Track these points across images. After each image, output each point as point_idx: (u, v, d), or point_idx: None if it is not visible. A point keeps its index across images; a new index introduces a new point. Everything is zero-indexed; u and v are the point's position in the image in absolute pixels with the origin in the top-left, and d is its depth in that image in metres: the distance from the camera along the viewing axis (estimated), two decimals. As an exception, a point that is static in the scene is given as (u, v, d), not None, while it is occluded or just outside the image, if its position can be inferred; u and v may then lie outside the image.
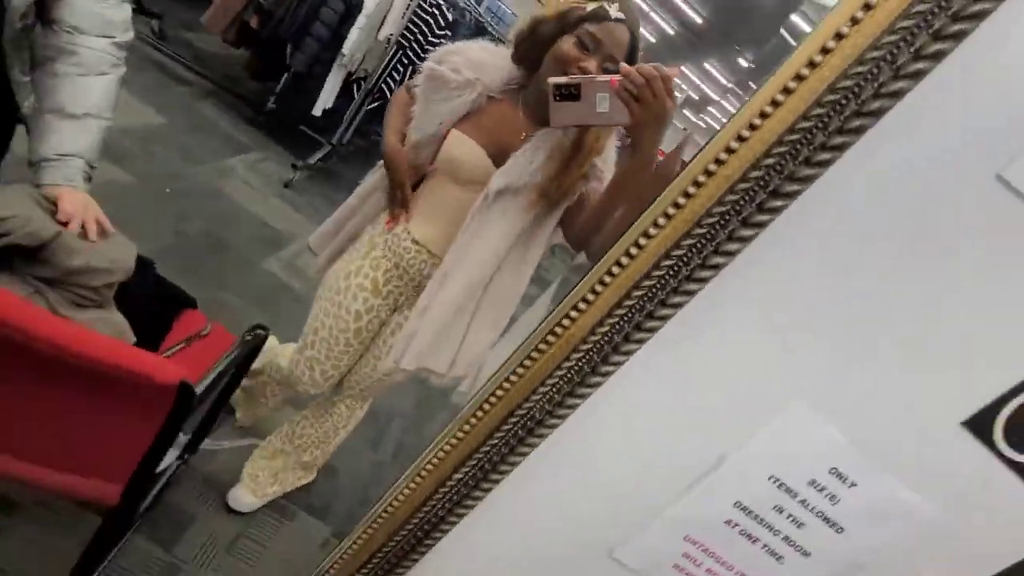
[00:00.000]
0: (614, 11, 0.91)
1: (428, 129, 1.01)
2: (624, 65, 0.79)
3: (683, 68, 13.30)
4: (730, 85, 11.58)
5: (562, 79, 0.80)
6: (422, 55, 3.26)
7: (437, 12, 3.09)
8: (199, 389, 0.77)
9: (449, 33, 3.28)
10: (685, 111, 17.26)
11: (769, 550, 0.56)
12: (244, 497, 1.39)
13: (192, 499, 1.36)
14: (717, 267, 0.45)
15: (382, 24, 2.78)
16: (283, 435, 1.41)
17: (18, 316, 0.66)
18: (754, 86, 0.36)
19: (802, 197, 0.43)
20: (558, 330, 0.48)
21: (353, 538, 0.59)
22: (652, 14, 11.17)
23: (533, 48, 0.97)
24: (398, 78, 3.27)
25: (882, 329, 0.47)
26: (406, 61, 3.22)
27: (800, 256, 0.46)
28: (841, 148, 0.42)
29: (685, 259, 0.46)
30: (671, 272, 0.46)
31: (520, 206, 0.98)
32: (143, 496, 1.00)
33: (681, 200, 0.45)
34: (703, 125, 17.10)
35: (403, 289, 1.13)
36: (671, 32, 11.42)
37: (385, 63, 3.08)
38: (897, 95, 0.40)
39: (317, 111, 2.98)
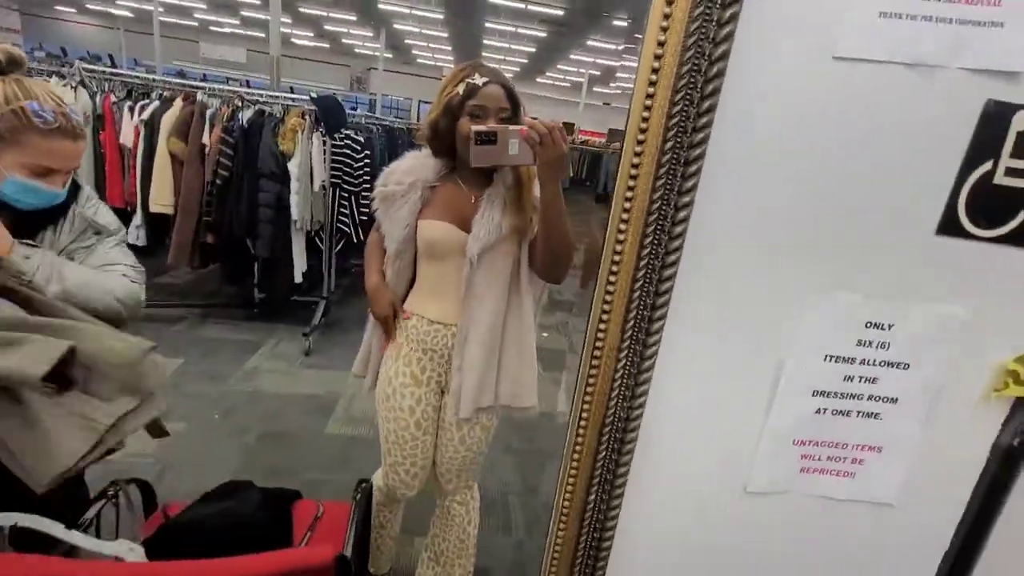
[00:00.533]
0: (479, 80, 1.10)
1: (399, 235, 1.19)
2: (528, 119, 0.98)
3: (573, 55, 13.89)
4: (621, 47, 11.97)
5: (482, 127, 0.99)
6: (355, 182, 3.49)
7: (349, 142, 3.33)
8: (347, 553, 0.86)
9: (368, 152, 3.53)
10: (595, 88, 17.88)
11: (864, 414, 0.64)
12: None
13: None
14: (686, 219, 0.55)
15: (312, 178, 3.00)
16: (426, 564, 1.48)
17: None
18: (641, 36, 0.45)
19: (712, 143, 0.54)
20: (603, 322, 0.57)
21: (553, 536, 0.67)
22: (519, 30, 11.69)
23: (443, 141, 1.16)
24: (346, 212, 3.48)
25: (839, 216, 0.56)
26: (345, 195, 3.44)
27: (739, 184, 0.56)
28: (714, 94, 0.52)
29: (660, 225, 0.55)
30: (656, 237, 0.55)
31: (500, 257, 1.15)
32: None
33: (631, 183, 0.55)
34: (619, 91, 17.67)
35: (438, 369, 1.26)
36: (544, 35, 11.93)
37: (330, 207, 3.29)
38: (733, 19, 0.51)
39: (298, 278, 3.16)
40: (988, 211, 0.57)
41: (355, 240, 3.59)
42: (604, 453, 0.61)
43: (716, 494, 0.65)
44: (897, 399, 0.63)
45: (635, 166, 0.53)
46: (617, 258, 0.57)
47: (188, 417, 2.43)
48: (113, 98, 2.97)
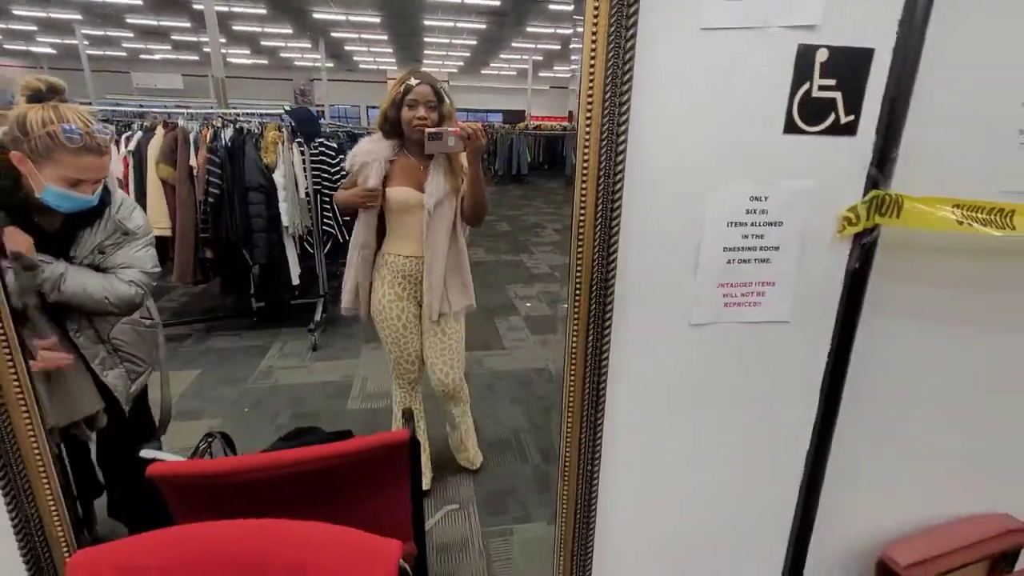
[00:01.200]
0: (413, 82, 1.68)
1: (373, 181, 1.73)
2: (461, 123, 1.63)
3: (515, 43, 14.21)
4: (567, 31, 12.27)
5: (433, 128, 1.63)
6: (334, 186, 3.72)
7: (324, 150, 3.56)
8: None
9: (342, 156, 3.76)
10: (541, 72, 18.14)
11: (758, 260, 0.97)
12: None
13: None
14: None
15: (296, 186, 3.23)
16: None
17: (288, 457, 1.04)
18: (580, 17, 0.68)
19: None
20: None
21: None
22: (458, 25, 11.86)
23: (392, 127, 1.74)
24: (329, 215, 3.72)
25: (722, 133, 0.88)
26: (327, 199, 3.67)
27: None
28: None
29: (608, 152, 0.86)
30: (607, 160, 0.86)
31: (445, 209, 1.74)
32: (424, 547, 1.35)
33: (586, 142, 0.86)
34: (570, 74, 18.00)
35: (412, 288, 1.83)
36: (484, 27, 12.14)
37: (315, 211, 3.52)
38: None
39: (295, 280, 3.40)
40: (811, 115, 0.89)
41: (340, 240, 3.82)
42: (594, 312, 0.92)
43: (672, 329, 0.98)
44: (779, 247, 0.96)
45: (587, 134, 0.84)
46: (583, 189, 0.88)
47: (219, 414, 2.67)
48: (96, 134, 3.15)
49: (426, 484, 2.08)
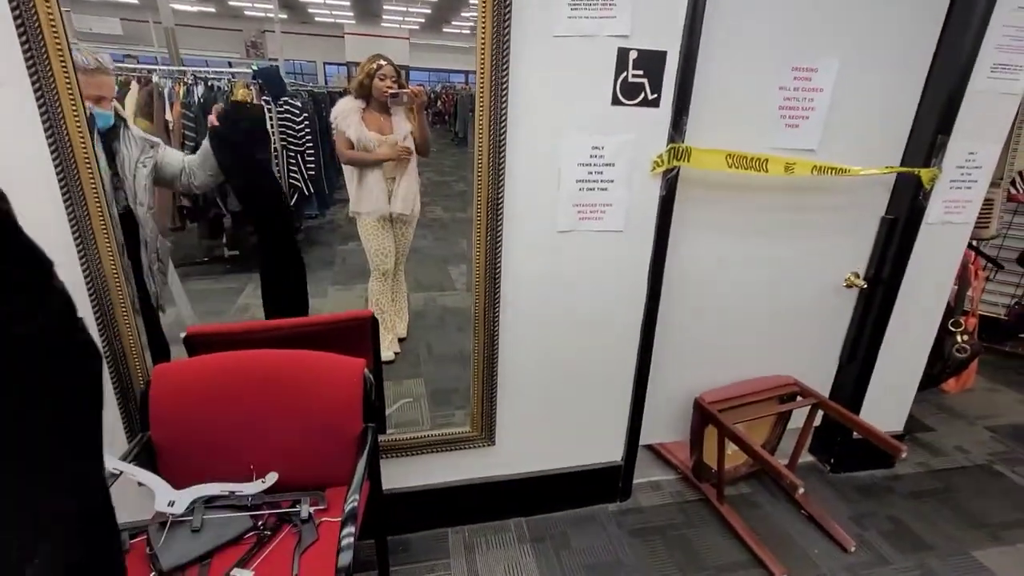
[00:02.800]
0: (383, 63, 2.29)
1: (354, 129, 2.34)
2: (410, 86, 2.22)
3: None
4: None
5: (394, 90, 2.26)
6: (299, 142, 4.07)
7: (288, 108, 3.90)
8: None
9: (306, 114, 4.11)
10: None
11: (600, 188, 1.48)
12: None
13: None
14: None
15: (265, 141, 3.59)
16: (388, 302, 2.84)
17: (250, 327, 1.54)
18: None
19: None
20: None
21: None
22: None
23: (363, 90, 2.32)
24: (295, 169, 4.08)
25: (572, 105, 1.38)
26: (292, 155, 4.03)
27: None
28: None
29: (495, 117, 1.35)
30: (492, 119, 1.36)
31: (408, 141, 2.37)
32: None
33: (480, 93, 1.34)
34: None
35: (384, 199, 2.45)
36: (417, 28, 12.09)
37: (282, 166, 3.88)
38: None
39: (266, 228, 3.78)
40: (629, 93, 1.40)
41: (306, 193, 4.20)
42: (490, 223, 1.43)
43: (543, 234, 1.49)
44: (613, 180, 1.48)
45: (481, 103, 1.32)
46: (479, 142, 1.36)
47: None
48: (73, 89, 3.42)
49: (388, 356, 2.78)
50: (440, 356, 2.95)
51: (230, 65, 3.78)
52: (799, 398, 1.88)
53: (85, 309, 1.30)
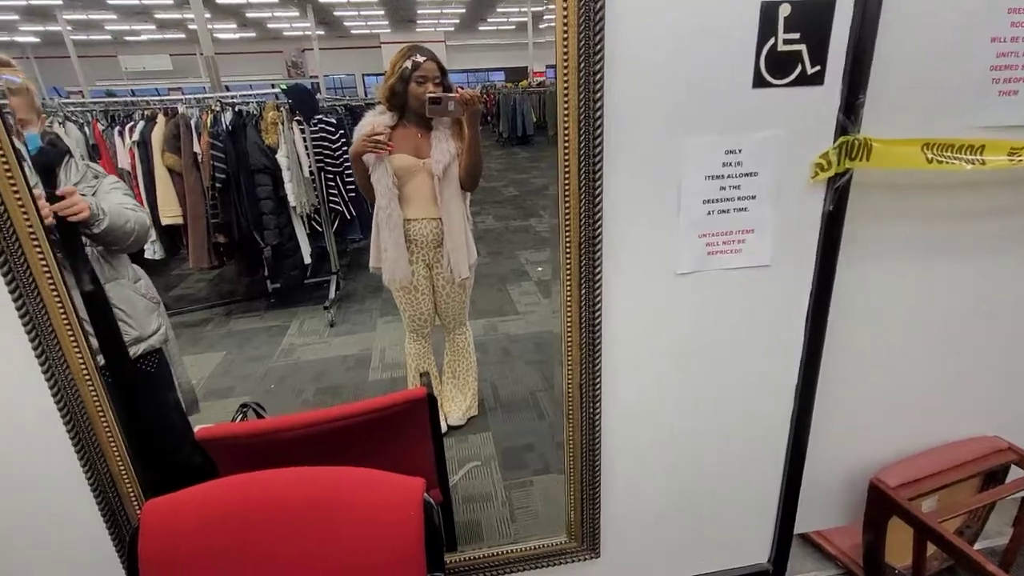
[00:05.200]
0: (420, 59, 1.84)
1: (374, 160, 1.93)
2: (460, 89, 1.80)
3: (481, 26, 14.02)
4: None
5: (435, 94, 1.80)
6: (336, 162, 3.82)
7: (323, 126, 3.65)
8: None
9: (342, 132, 3.86)
10: (542, 24, 17.79)
11: (737, 209, 1.06)
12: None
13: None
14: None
15: (300, 166, 3.35)
16: (446, 382, 2.39)
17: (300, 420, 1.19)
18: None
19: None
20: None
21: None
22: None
23: (397, 99, 1.91)
24: (335, 191, 3.83)
25: (693, 88, 0.97)
26: (330, 176, 3.78)
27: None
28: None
29: (586, 117, 0.96)
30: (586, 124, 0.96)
31: (452, 171, 1.93)
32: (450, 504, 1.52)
33: (565, 103, 0.95)
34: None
35: (423, 251, 2.04)
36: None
37: (320, 189, 3.65)
38: None
39: (307, 259, 3.55)
40: (778, 68, 0.98)
41: (348, 216, 3.96)
42: (584, 265, 1.04)
43: (656, 279, 1.09)
44: (755, 196, 1.06)
45: (566, 92, 0.93)
46: (566, 148, 0.98)
47: (247, 391, 2.86)
48: (100, 126, 3.28)
49: (444, 427, 2.35)
50: (509, 401, 2.61)
51: (272, 87, 3.56)
52: (1015, 467, 1.38)
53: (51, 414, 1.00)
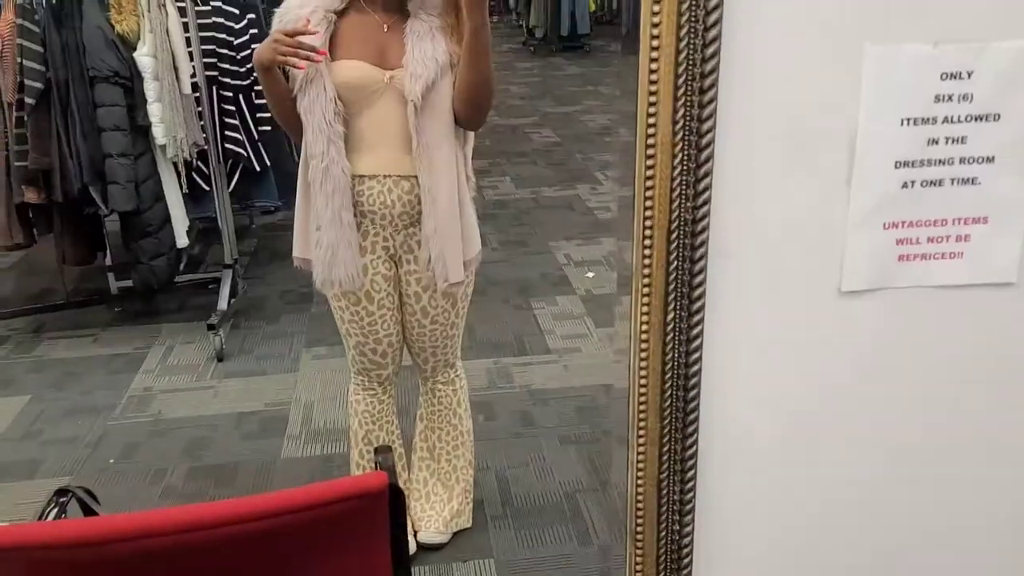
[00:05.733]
0: None
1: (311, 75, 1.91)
2: None
3: None
4: None
5: None
6: (240, 70, 3.86)
7: (220, 6, 3.70)
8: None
9: (251, 16, 3.90)
10: None
11: (959, 181, 1.04)
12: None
13: None
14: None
15: (177, 76, 3.40)
16: (419, 466, 2.40)
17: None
18: None
19: None
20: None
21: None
22: None
23: None
24: (234, 122, 3.87)
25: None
26: (228, 93, 3.82)
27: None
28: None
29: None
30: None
31: (443, 97, 1.94)
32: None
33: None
34: None
35: (382, 233, 2.07)
36: None
37: (211, 116, 3.69)
38: None
39: (181, 240, 3.60)
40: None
41: (256, 168, 4.00)
42: (676, 270, 1.03)
43: (807, 299, 1.07)
44: (993, 157, 1.04)
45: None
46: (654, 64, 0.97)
47: (66, 468, 2.92)
48: None
49: (413, 546, 2.33)
50: (527, 507, 2.63)
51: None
52: None
53: None
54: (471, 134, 2.13)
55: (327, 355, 3.64)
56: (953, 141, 1.03)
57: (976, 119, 1.03)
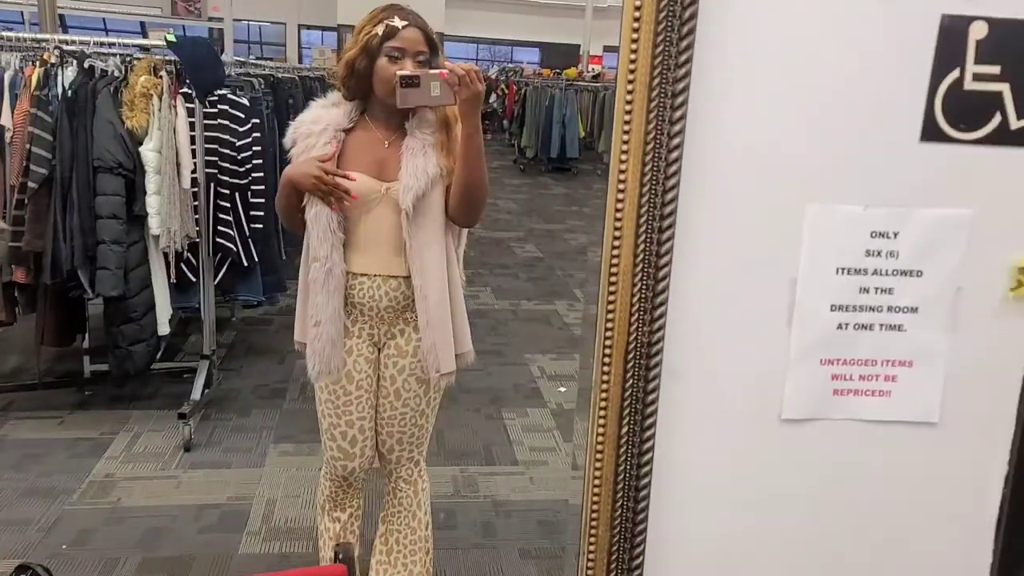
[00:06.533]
0: (398, 23, 2.04)
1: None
2: (448, 63, 1.86)
3: None
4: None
5: (407, 72, 1.93)
6: (240, 170, 4.04)
7: (226, 109, 3.91)
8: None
9: (255, 120, 4.11)
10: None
11: (887, 326, 1.18)
12: None
13: None
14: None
15: (178, 170, 3.56)
16: (376, 569, 2.44)
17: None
18: None
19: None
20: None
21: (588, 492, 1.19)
22: None
23: (359, 82, 2.11)
24: (228, 218, 4.02)
25: (828, 136, 1.12)
26: (226, 191, 3.99)
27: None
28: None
29: (656, 154, 1.10)
30: (654, 165, 1.10)
31: (433, 204, 2.14)
32: None
33: (626, 118, 1.10)
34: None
35: (369, 323, 2.24)
36: None
37: (206, 212, 3.84)
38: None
39: (163, 328, 3.68)
40: (963, 115, 1.12)
41: (244, 263, 4.13)
42: (631, 387, 1.15)
43: (752, 423, 1.19)
44: (917, 308, 1.18)
45: (628, 103, 1.08)
46: (620, 197, 1.12)
47: (19, 552, 2.91)
48: None
49: None
50: None
51: (141, 30, 3.86)
52: None
53: None
54: (464, 237, 2.30)
55: (294, 452, 3.70)
56: (882, 291, 1.17)
57: (901, 273, 1.17)
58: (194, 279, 3.89)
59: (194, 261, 3.87)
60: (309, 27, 19.64)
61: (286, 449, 3.73)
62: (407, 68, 2.00)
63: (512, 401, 4.45)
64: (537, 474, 3.65)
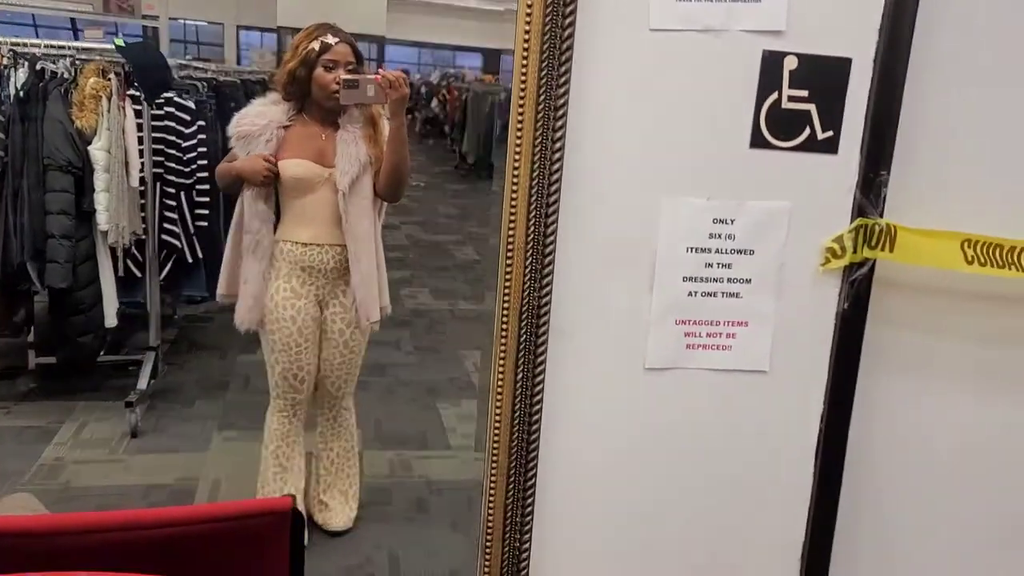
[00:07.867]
0: (331, 40, 2.63)
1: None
2: (382, 70, 2.61)
3: None
4: None
5: (349, 76, 2.58)
6: (185, 170, 4.28)
7: (174, 111, 4.15)
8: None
9: (201, 123, 4.35)
10: None
11: (727, 294, 1.52)
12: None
13: None
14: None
15: (127, 169, 3.79)
16: (316, 478, 3.11)
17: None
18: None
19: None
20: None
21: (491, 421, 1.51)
22: None
23: (299, 87, 2.67)
24: (174, 216, 4.26)
25: (676, 142, 1.46)
26: (172, 190, 4.23)
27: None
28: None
29: (542, 158, 1.43)
30: (539, 171, 1.43)
31: (364, 186, 2.70)
32: None
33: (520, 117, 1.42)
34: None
35: (316, 283, 2.77)
36: None
37: (152, 209, 4.08)
38: None
39: (110, 320, 3.91)
40: (782, 127, 1.47)
41: (189, 259, 4.36)
42: (524, 342, 1.47)
43: (618, 371, 1.52)
44: (750, 279, 1.52)
45: (519, 131, 1.41)
46: (514, 192, 1.43)
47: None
48: None
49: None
50: None
51: (72, 27, 4.07)
52: None
53: None
54: (383, 214, 2.83)
55: (238, 438, 3.87)
56: (722, 266, 1.51)
57: (738, 252, 1.50)
58: (140, 274, 4.11)
59: (140, 257, 4.09)
60: (248, 28, 19.66)
61: (230, 435, 3.92)
62: (342, 75, 2.52)
63: (447, 393, 4.70)
64: (468, 456, 3.87)
